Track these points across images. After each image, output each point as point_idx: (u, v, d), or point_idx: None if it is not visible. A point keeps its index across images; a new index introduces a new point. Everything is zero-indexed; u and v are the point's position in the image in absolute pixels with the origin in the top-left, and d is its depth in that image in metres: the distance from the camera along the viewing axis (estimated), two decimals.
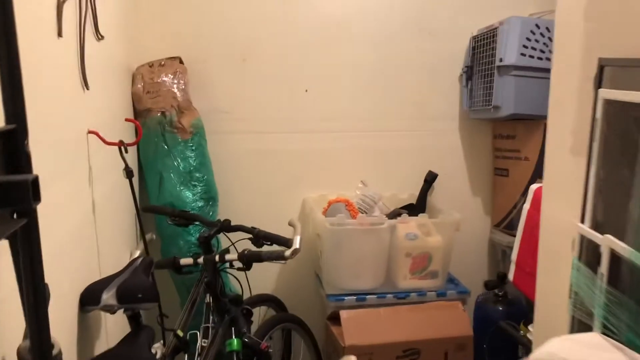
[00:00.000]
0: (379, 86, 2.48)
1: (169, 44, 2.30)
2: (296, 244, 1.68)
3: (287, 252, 1.66)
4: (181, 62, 2.27)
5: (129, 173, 1.65)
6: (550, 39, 2.15)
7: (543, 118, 2.18)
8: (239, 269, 1.78)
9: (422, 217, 2.22)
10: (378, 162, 2.54)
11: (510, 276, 2.01)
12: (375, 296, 2.18)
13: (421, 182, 2.55)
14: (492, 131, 2.57)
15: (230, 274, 1.97)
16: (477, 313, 2.24)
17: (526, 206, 1.93)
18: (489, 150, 2.60)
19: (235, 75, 2.36)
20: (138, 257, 1.51)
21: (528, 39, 2.14)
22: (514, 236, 2.38)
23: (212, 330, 1.80)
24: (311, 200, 2.45)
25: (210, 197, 2.22)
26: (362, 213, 2.33)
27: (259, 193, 2.45)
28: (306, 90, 2.42)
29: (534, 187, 1.92)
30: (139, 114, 2.19)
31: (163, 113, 2.15)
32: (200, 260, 1.80)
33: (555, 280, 1.49)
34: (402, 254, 2.22)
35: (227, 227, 1.92)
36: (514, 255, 1.99)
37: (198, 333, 1.79)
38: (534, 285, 1.85)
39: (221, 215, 2.23)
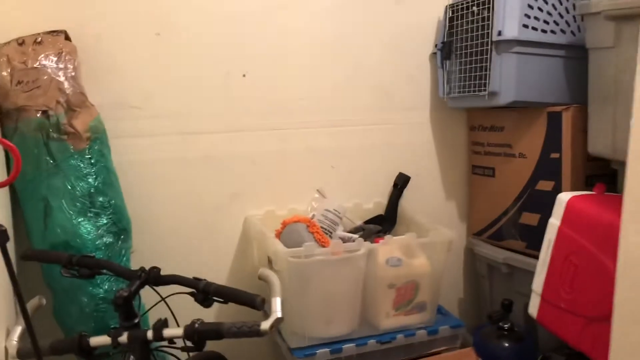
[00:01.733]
0: (336, 69, 1.94)
1: (47, 10, 1.60)
2: (276, 310, 1.11)
3: (265, 325, 1.09)
4: (67, 37, 1.58)
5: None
6: (554, 6, 1.72)
7: (546, 105, 1.77)
8: (184, 348, 1.18)
9: (409, 236, 1.73)
10: (336, 166, 2.00)
11: (534, 311, 1.57)
12: (353, 344, 1.67)
13: (389, 188, 2.06)
14: (468, 122, 2.13)
15: (168, 353, 1.36)
16: (478, 352, 1.80)
17: (554, 222, 1.50)
18: (464, 146, 2.16)
19: (146, 55, 1.71)
20: None
21: (530, 6, 1.69)
22: (505, 248, 2.00)
23: None
24: (256, 220, 1.87)
25: (120, 229, 1.57)
26: (327, 233, 1.80)
27: (186, 216, 1.83)
28: (244, 75, 1.82)
29: (564, 197, 1.50)
30: (5, 115, 1.49)
31: (45, 113, 1.46)
32: (124, 338, 1.18)
33: None
34: (384, 286, 1.72)
35: (155, 278, 1.32)
36: (537, 285, 1.56)
37: None
38: (570, 324, 1.44)
39: (137, 254, 1.61)
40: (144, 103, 1.72)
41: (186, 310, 1.34)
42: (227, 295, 1.23)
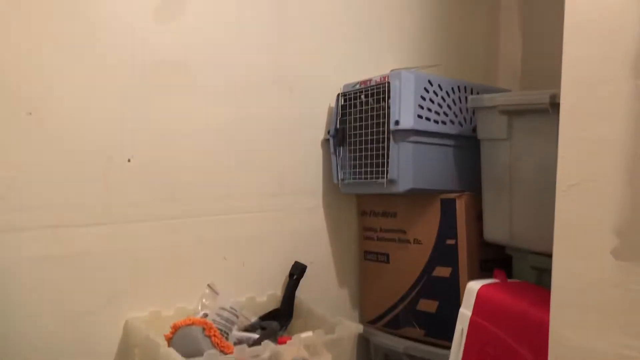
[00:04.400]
0: (228, 155, 1.82)
1: None
2: None
3: None
4: None
5: None
6: (443, 98, 1.80)
7: (440, 192, 1.82)
8: None
9: (316, 335, 1.61)
10: (229, 257, 1.85)
11: None
12: None
13: (283, 278, 1.94)
14: (359, 207, 2.12)
15: None
16: None
17: (465, 312, 1.50)
18: (355, 231, 2.13)
19: (14, 137, 1.45)
20: None
21: (423, 98, 1.75)
22: (402, 337, 1.96)
23: None
24: (139, 324, 1.63)
25: None
26: (223, 335, 1.62)
27: (54, 327, 1.53)
28: (129, 160, 1.63)
29: (474, 286, 1.50)
30: None
31: None
32: None
33: None
34: None
35: None
36: None
37: None
38: None
39: None
40: (7, 193, 1.44)
41: None
42: None
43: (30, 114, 1.46)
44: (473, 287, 1.48)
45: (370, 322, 2.08)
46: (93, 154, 1.57)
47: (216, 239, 1.81)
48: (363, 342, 2.12)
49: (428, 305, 1.86)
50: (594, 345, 1.04)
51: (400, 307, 1.95)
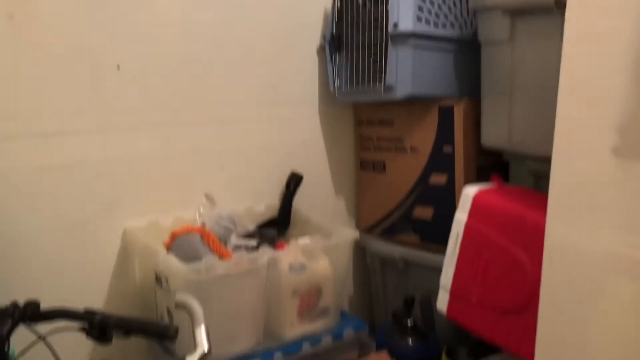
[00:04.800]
0: (221, 61, 1.76)
1: None
2: (202, 344, 0.94)
3: (192, 359, 0.91)
4: None
5: None
6: (444, 0, 1.73)
7: (438, 99, 1.78)
8: None
9: (313, 240, 1.63)
10: (225, 167, 1.84)
11: (442, 307, 1.56)
12: (259, 359, 1.54)
13: (280, 188, 1.94)
14: (355, 116, 2.08)
15: None
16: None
17: (461, 217, 1.50)
18: (352, 140, 2.11)
19: None
20: None
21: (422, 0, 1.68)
22: (398, 244, 1.99)
23: None
24: (138, 232, 1.64)
25: None
26: (222, 243, 1.63)
27: (51, 235, 1.54)
28: (118, 67, 1.58)
29: (470, 191, 1.50)
30: None
31: None
32: None
33: (586, 330, 1.07)
34: (288, 294, 1.61)
35: (33, 314, 1.07)
36: (445, 281, 1.55)
37: None
38: (483, 318, 1.44)
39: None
40: None
41: (70, 349, 1.12)
42: (133, 327, 1.03)
43: (12, 17, 1.39)
44: (469, 191, 1.48)
45: (366, 230, 2.10)
46: (80, 60, 1.52)
47: (212, 149, 1.79)
48: (359, 250, 2.16)
49: (423, 213, 1.88)
50: (589, 245, 1.05)
51: (396, 215, 1.97)
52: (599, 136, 1.02)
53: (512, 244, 1.37)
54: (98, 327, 1.05)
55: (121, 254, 1.67)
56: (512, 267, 1.36)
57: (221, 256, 1.51)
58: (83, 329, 1.08)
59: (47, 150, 1.50)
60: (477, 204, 1.46)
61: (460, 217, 1.50)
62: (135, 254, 1.66)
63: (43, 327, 1.12)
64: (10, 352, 1.18)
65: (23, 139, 1.47)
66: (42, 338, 1.11)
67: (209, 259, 1.43)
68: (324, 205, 2.08)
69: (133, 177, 1.65)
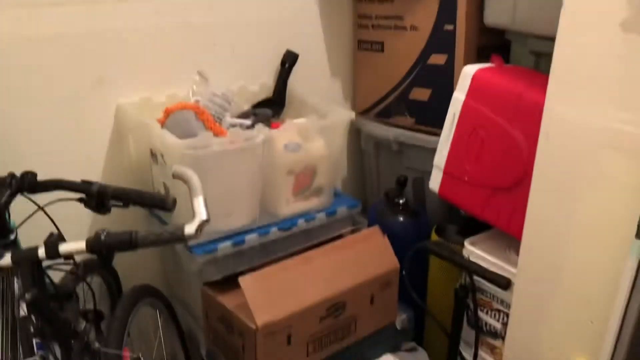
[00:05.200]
0: None
1: None
2: (200, 212, 0.95)
3: (189, 228, 0.93)
4: None
5: None
6: None
7: None
8: (86, 264, 1.00)
9: (309, 120, 1.61)
10: (218, 44, 1.77)
11: (435, 186, 1.59)
12: (255, 234, 1.58)
13: (274, 67, 1.90)
14: None
15: (67, 272, 1.15)
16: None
17: (459, 96, 1.48)
18: (349, 19, 2.03)
19: None
20: None
21: None
22: (393, 125, 1.98)
23: None
24: (131, 108, 1.62)
25: None
26: (216, 121, 1.62)
27: (44, 110, 1.52)
28: None
29: (470, 70, 1.47)
30: None
31: None
32: (5, 261, 0.95)
33: (576, 205, 1.10)
34: (283, 173, 1.62)
35: (31, 185, 1.08)
36: (439, 160, 1.56)
37: None
38: (475, 196, 1.48)
39: None
40: None
41: (69, 221, 1.14)
42: (130, 197, 1.05)
43: None
44: (469, 70, 1.46)
45: (361, 112, 2.09)
46: None
47: (204, 24, 1.72)
48: (354, 132, 2.16)
49: (421, 94, 1.85)
50: (586, 120, 1.04)
51: (393, 96, 1.95)
52: (609, 9, 0.98)
53: (509, 123, 1.36)
54: (96, 197, 1.07)
55: (115, 130, 1.66)
56: (507, 146, 1.37)
57: (216, 134, 1.50)
58: (81, 200, 1.10)
59: (29, 22, 1.43)
60: (476, 83, 1.44)
61: (458, 96, 1.48)
62: (129, 130, 1.65)
63: (41, 200, 1.14)
64: (11, 223, 1.20)
65: (7, 10, 1.39)
66: (41, 208, 1.13)
67: (205, 136, 1.42)
68: (320, 87, 2.05)
69: (122, 52, 1.60)
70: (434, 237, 1.71)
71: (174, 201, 1.04)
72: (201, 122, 1.54)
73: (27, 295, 0.96)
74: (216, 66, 1.77)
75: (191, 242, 1.51)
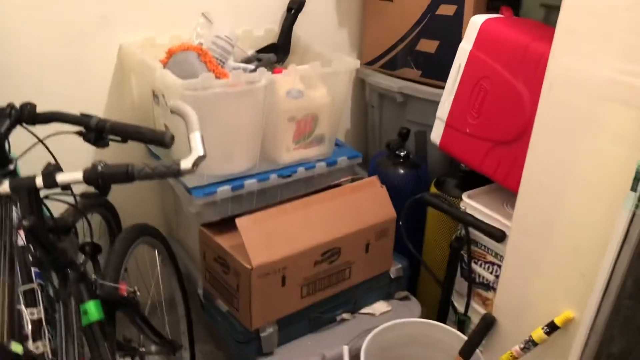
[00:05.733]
0: None
1: None
2: (197, 148, 0.96)
3: (186, 163, 0.93)
4: None
5: None
6: None
7: None
8: (83, 195, 1.01)
9: (312, 66, 1.60)
10: None
11: (436, 137, 1.59)
12: (254, 180, 1.59)
13: (280, 13, 1.87)
14: None
15: (65, 202, 1.16)
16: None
17: (465, 46, 1.47)
18: None
19: None
20: None
21: None
22: (400, 78, 1.96)
23: (45, 294, 1.04)
24: (134, 48, 1.61)
25: None
26: (219, 64, 1.61)
27: (47, 45, 1.51)
28: None
29: (478, 19, 1.45)
30: None
31: None
32: (4, 188, 0.96)
33: (575, 157, 1.09)
34: (284, 119, 1.62)
35: (30, 116, 1.08)
36: (442, 113, 1.56)
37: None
38: (475, 149, 1.47)
39: None
40: None
41: (67, 157, 1.15)
42: (129, 132, 1.05)
43: None
44: (477, 20, 1.43)
45: (367, 63, 2.06)
46: None
47: None
48: (359, 83, 2.14)
49: (428, 46, 1.83)
50: (590, 72, 1.03)
51: (399, 47, 1.92)
52: None
53: (513, 75, 1.34)
54: (94, 130, 1.07)
55: (117, 69, 1.66)
56: (510, 98, 1.35)
57: (218, 76, 1.49)
58: (80, 133, 1.10)
59: None
60: (483, 33, 1.42)
61: (465, 46, 1.46)
62: (132, 70, 1.64)
63: (41, 133, 1.14)
64: (11, 154, 1.21)
65: None
66: (40, 141, 1.13)
67: (206, 77, 1.41)
68: (327, 35, 2.02)
69: None
70: (433, 190, 1.71)
71: (172, 137, 1.04)
72: (204, 64, 1.53)
73: (25, 222, 0.97)
74: (221, 9, 1.75)
75: (191, 185, 1.53)
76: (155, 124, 1.61)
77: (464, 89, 1.47)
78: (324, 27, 2.01)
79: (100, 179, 0.94)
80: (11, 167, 1.06)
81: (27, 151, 1.12)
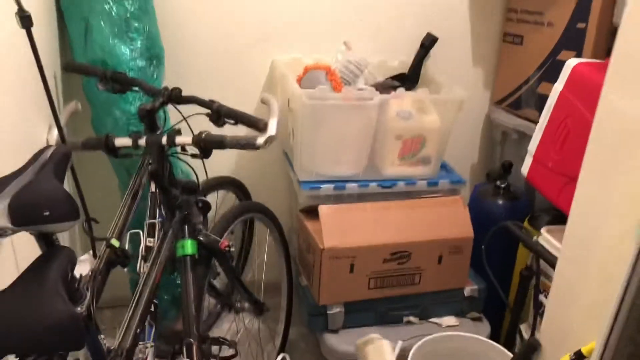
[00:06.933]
0: None
1: None
2: (271, 129, 1.25)
3: (260, 140, 1.23)
4: None
5: (24, 19, 1.12)
6: None
7: None
8: (193, 155, 1.36)
9: (421, 92, 1.80)
10: (365, 20, 2.05)
11: (525, 170, 1.67)
12: (356, 184, 1.83)
13: (416, 47, 2.10)
14: None
15: (181, 159, 1.55)
16: (473, 206, 1.93)
17: (558, 86, 1.54)
18: (499, 10, 2.13)
19: None
20: (47, 148, 1.06)
21: None
22: (521, 117, 2.05)
23: (159, 228, 1.42)
24: (282, 64, 1.98)
25: (153, 55, 1.72)
26: (346, 84, 1.89)
27: (216, 53, 1.96)
28: None
29: (571, 62, 1.52)
30: None
31: None
32: (142, 142, 1.36)
33: (617, 188, 1.14)
34: (392, 136, 1.83)
35: (176, 97, 1.47)
36: (532, 146, 1.64)
37: (141, 232, 1.40)
38: (554, 183, 1.53)
39: (169, 81, 1.75)
40: None
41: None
42: (236, 116, 1.37)
43: None
44: (571, 63, 1.51)
45: (497, 102, 2.18)
46: None
47: (352, 1, 2.00)
48: (489, 121, 2.26)
49: (547, 89, 1.88)
50: (636, 111, 1.09)
51: (524, 89, 2.01)
52: None
53: (592, 114, 1.39)
54: (216, 113, 1.41)
55: (268, 80, 2.04)
56: (587, 136, 1.40)
57: (335, 90, 1.78)
58: (208, 114, 1.46)
59: None
60: (574, 74, 1.49)
61: (557, 86, 1.54)
62: (278, 82, 2.01)
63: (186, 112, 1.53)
64: (167, 123, 1.60)
65: None
66: (184, 118, 1.52)
67: (323, 89, 1.70)
68: (460, 73, 2.19)
69: (281, 19, 1.97)
70: (527, 225, 1.77)
71: (265, 124, 1.33)
72: (329, 82, 1.83)
73: (150, 167, 1.35)
74: (363, 40, 2.04)
75: (302, 179, 1.82)
76: (288, 127, 1.95)
77: (551, 126, 1.54)
78: (458, 65, 2.18)
79: (202, 142, 1.28)
80: (157, 132, 1.45)
81: (176, 125, 1.52)
